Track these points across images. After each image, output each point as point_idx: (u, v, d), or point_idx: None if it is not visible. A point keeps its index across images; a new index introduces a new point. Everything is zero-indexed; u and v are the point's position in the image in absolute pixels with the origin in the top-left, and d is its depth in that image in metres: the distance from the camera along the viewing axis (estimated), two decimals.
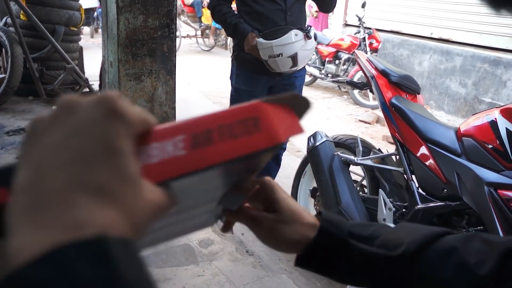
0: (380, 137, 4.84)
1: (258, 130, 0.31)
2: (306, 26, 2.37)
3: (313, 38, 2.35)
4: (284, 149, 2.75)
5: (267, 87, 2.52)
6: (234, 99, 2.60)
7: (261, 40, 2.27)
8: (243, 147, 0.31)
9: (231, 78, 2.63)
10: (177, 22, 9.74)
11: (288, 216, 0.56)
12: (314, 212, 2.60)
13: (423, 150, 2.10)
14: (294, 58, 2.28)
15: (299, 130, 0.36)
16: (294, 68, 2.36)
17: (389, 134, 2.34)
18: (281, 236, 0.56)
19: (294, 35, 2.25)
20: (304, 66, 2.56)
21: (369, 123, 5.39)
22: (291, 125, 0.36)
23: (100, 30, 9.93)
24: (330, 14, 9.55)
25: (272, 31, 2.29)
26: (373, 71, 2.37)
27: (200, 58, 9.02)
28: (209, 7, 2.49)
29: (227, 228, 0.58)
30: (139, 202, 0.28)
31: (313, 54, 7.03)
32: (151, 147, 0.31)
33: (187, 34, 9.93)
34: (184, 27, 10.02)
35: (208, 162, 0.30)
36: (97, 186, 0.26)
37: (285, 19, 2.34)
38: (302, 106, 0.38)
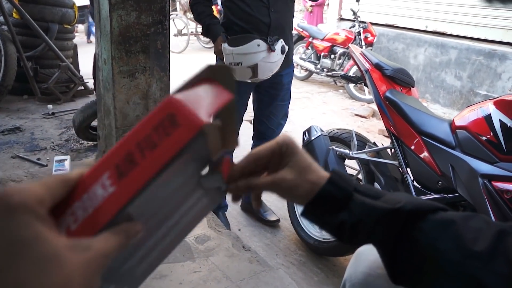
0: (376, 131, 4.84)
1: (177, 126, 0.31)
2: (274, 37, 2.24)
3: (279, 51, 2.23)
4: None
5: (253, 86, 2.46)
6: None
7: (225, 45, 2.22)
8: (166, 152, 0.31)
9: None
10: (185, 20, 9.74)
11: (306, 168, 0.60)
12: None
13: (418, 143, 2.10)
14: (254, 69, 2.20)
15: (226, 97, 0.36)
16: (254, 79, 2.27)
17: (385, 128, 2.34)
18: (298, 189, 0.59)
19: (256, 45, 2.17)
20: (292, 62, 2.51)
21: (365, 117, 5.40)
22: (217, 97, 0.35)
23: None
24: (325, 8, 9.54)
25: (237, 38, 2.22)
26: (367, 65, 2.37)
27: (202, 55, 9.01)
28: (189, 3, 2.48)
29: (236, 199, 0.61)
30: (67, 275, 0.29)
31: (308, 49, 7.03)
32: (80, 202, 0.32)
33: (191, 32, 9.90)
34: (191, 25, 9.99)
35: (137, 185, 0.30)
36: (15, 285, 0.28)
37: (269, 15, 2.27)
38: (223, 72, 0.38)
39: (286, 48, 2.28)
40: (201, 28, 2.44)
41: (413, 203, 0.57)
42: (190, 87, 0.35)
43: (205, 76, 0.36)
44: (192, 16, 10.34)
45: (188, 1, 2.50)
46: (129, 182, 0.31)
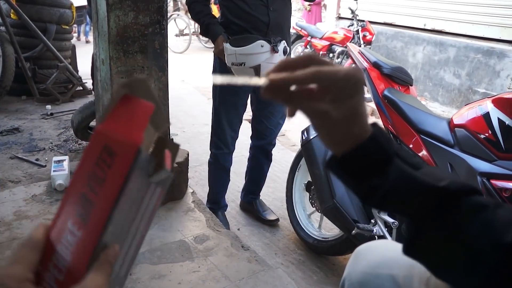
0: None
1: (115, 155, 0.33)
2: (277, 38, 2.24)
3: (281, 52, 2.23)
4: (274, 144, 2.73)
5: (252, 86, 2.46)
6: (218, 97, 2.50)
7: (227, 45, 2.21)
8: (115, 183, 0.33)
9: (212, 73, 2.55)
10: (187, 20, 9.68)
11: (359, 113, 0.53)
12: (310, 209, 2.60)
13: (416, 141, 2.10)
14: (256, 69, 2.20)
15: (149, 108, 0.37)
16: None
17: (382, 126, 2.34)
18: (340, 131, 0.54)
19: (259, 46, 2.16)
20: (287, 53, 2.49)
21: None
22: (141, 112, 0.36)
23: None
24: (324, 7, 9.53)
25: (239, 38, 2.22)
26: (365, 64, 2.37)
27: (203, 55, 9.00)
28: (186, 2, 2.44)
29: (292, 114, 0.54)
30: None
31: (307, 48, 7.03)
32: (57, 253, 0.35)
33: (193, 32, 9.85)
34: (193, 25, 9.92)
35: (102, 221, 0.33)
36: None
37: (268, 14, 2.26)
38: (138, 86, 0.38)
39: (288, 49, 2.28)
40: (199, 28, 2.41)
41: (457, 184, 0.54)
42: (112, 111, 0.36)
43: (123, 95, 0.37)
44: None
45: (213, 1, 2.47)
46: (94, 221, 0.33)
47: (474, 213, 0.53)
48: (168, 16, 9.46)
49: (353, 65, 5.79)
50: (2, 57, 4.16)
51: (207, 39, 10.13)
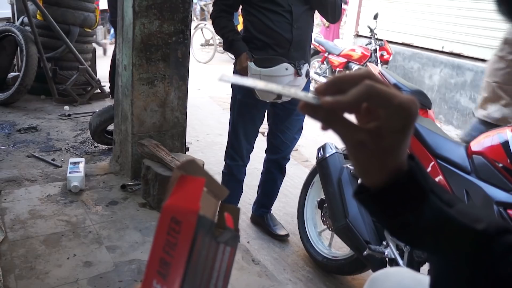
0: None
1: (181, 223, 0.41)
2: (301, 61, 2.27)
3: (304, 75, 2.28)
4: (288, 159, 2.73)
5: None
6: (237, 110, 2.49)
7: (251, 64, 2.23)
8: (184, 244, 0.40)
9: (232, 86, 2.55)
10: (213, 30, 9.73)
11: (396, 146, 0.49)
12: (321, 226, 2.60)
13: (433, 166, 2.09)
14: None
15: (201, 182, 0.45)
16: (278, 100, 2.30)
17: None
18: (378, 165, 0.50)
19: (284, 69, 2.19)
20: (309, 78, 2.52)
21: None
22: (195, 186, 0.45)
23: (112, 31, 10.00)
24: (342, 24, 9.57)
25: (264, 59, 2.24)
26: None
27: (227, 67, 9.07)
28: (210, 16, 2.45)
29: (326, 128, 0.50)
30: None
31: (324, 64, 7.06)
32: None
33: (218, 43, 9.91)
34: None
35: (179, 276, 0.40)
36: None
37: (291, 31, 2.28)
38: (191, 166, 0.47)
39: (310, 71, 2.30)
40: (223, 43, 2.42)
41: (495, 226, 0.52)
42: (173, 190, 0.45)
43: (179, 176, 0.46)
44: None
45: (209, 14, 2.48)
46: (173, 277, 0.41)
47: (507, 254, 0.52)
48: (195, 26, 9.58)
49: None
50: (25, 57, 4.24)
51: None
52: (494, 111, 2.63)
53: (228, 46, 2.37)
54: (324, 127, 0.50)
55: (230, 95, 2.56)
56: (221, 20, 2.36)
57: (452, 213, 0.53)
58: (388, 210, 0.52)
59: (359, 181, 0.55)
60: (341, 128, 0.49)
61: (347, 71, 0.46)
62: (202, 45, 9.97)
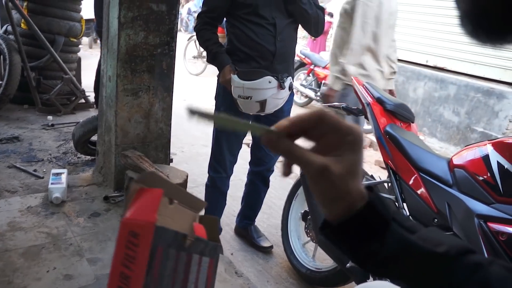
0: (372, 162, 4.87)
1: (138, 236, 0.40)
2: (284, 74, 2.28)
3: (287, 88, 2.29)
4: (272, 171, 2.74)
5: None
6: None
7: (235, 77, 2.23)
8: (142, 257, 0.40)
9: (216, 99, 2.55)
10: None
11: (353, 174, 0.52)
12: (305, 238, 2.60)
13: (415, 179, 2.11)
14: (262, 104, 2.23)
15: (157, 192, 0.44)
16: (262, 113, 2.30)
17: (382, 159, 2.36)
18: (338, 201, 0.52)
19: (267, 82, 2.20)
20: (292, 91, 2.51)
21: None
22: (151, 197, 0.44)
23: (98, 41, 9.97)
24: (328, 36, 9.67)
25: (247, 72, 2.25)
26: (369, 98, 2.40)
27: (215, 79, 9.07)
28: (194, 29, 2.44)
29: (287, 171, 0.54)
30: None
31: (309, 76, 7.11)
32: None
33: None
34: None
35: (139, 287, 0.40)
36: None
37: (275, 44, 2.29)
38: (148, 177, 0.46)
39: (292, 85, 2.32)
40: (207, 55, 2.42)
41: (456, 248, 0.54)
42: (131, 203, 0.44)
43: (137, 189, 0.45)
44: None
45: (194, 26, 2.48)
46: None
47: (470, 274, 0.53)
48: (188, 38, 9.53)
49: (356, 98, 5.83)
50: (8, 66, 4.19)
51: None
52: (338, 70, 3.05)
53: (211, 58, 2.37)
54: (286, 171, 0.54)
55: (214, 108, 2.56)
56: (205, 33, 2.37)
57: (414, 239, 0.54)
58: (352, 240, 0.54)
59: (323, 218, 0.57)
60: (301, 158, 0.52)
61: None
62: (194, 57, 9.95)
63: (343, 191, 0.52)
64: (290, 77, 2.34)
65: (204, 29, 2.37)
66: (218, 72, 2.40)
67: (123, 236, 0.41)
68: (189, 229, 0.45)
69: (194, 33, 2.63)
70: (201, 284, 0.46)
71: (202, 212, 0.52)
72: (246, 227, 2.84)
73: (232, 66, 2.28)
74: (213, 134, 2.56)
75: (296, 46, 2.55)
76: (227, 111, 2.39)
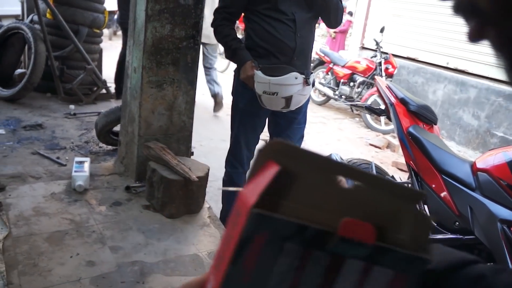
0: (389, 163, 4.85)
1: (240, 216, 0.34)
2: (307, 71, 2.27)
3: (311, 84, 2.29)
4: None
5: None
6: (239, 119, 2.47)
7: (259, 73, 2.20)
8: (234, 240, 0.34)
9: (233, 95, 2.52)
10: None
11: None
12: None
13: (438, 181, 2.11)
14: (288, 100, 2.22)
15: (272, 171, 0.35)
16: (285, 110, 2.30)
17: (399, 161, 2.36)
18: None
19: (294, 78, 2.18)
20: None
21: (379, 148, 5.41)
22: (266, 176, 0.35)
23: (118, 33, 10.06)
24: (348, 35, 9.63)
25: (272, 67, 2.22)
26: (393, 99, 2.40)
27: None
28: (212, 25, 2.42)
29: None
30: None
31: (328, 74, 7.09)
32: None
33: None
34: None
35: (220, 277, 0.34)
36: None
37: (295, 40, 2.28)
38: (281, 149, 0.36)
39: (315, 81, 2.32)
40: (225, 51, 2.39)
41: (446, 262, 0.53)
42: (252, 178, 0.37)
43: (266, 161, 0.36)
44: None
45: (211, 23, 2.42)
46: (218, 275, 0.35)
47: (473, 285, 0.52)
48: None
49: (372, 96, 5.79)
50: (33, 54, 4.26)
51: None
52: None
53: (231, 54, 2.34)
54: None
55: (231, 103, 2.56)
56: (223, 29, 2.34)
57: None
58: None
59: None
60: None
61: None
62: (220, 53, 9.92)
63: None
64: (313, 74, 2.33)
65: (222, 25, 2.34)
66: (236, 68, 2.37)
67: (233, 213, 0.36)
68: (330, 225, 0.35)
69: None
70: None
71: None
72: None
73: (254, 62, 2.26)
74: (231, 129, 2.57)
75: (314, 41, 2.53)
76: (246, 107, 2.41)
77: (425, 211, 2.14)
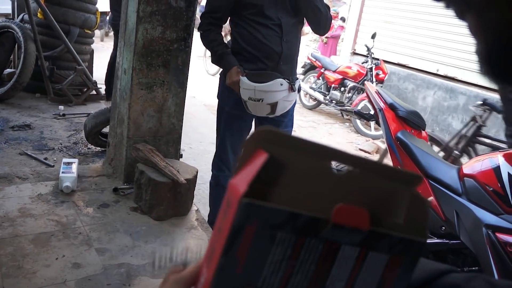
0: None
1: (230, 206, 0.34)
2: (294, 77, 2.27)
3: (296, 91, 2.29)
4: None
5: None
6: (224, 122, 2.46)
7: (245, 79, 2.19)
8: (225, 232, 0.33)
9: (219, 98, 2.50)
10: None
11: None
12: None
13: (424, 186, 2.13)
14: (273, 106, 2.21)
15: (261, 159, 0.34)
16: (271, 115, 2.29)
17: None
18: None
19: (279, 84, 2.18)
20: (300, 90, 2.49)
21: (369, 153, 5.43)
22: (256, 164, 0.35)
23: (110, 34, 10.02)
24: (340, 41, 9.68)
25: (258, 73, 2.21)
26: (382, 104, 2.42)
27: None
28: (198, 29, 2.40)
29: None
30: None
31: (319, 79, 7.12)
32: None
33: None
34: None
35: (213, 266, 0.34)
36: None
37: (281, 45, 2.26)
38: (271, 137, 0.36)
39: (300, 86, 2.30)
40: (211, 56, 2.36)
41: (419, 279, 0.53)
42: (241, 167, 0.36)
43: (255, 150, 0.36)
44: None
45: (198, 27, 2.39)
46: (211, 267, 0.35)
47: None
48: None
49: (362, 102, 5.82)
50: (23, 54, 4.23)
51: None
52: None
53: (217, 59, 2.32)
54: None
55: (216, 106, 2.55)
56: (210, 33, 2.32)
57: None
58: None
59: None
60: None
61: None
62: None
63: None
64: (299, 79, 2.33)
65: (208, 30, 2.33)
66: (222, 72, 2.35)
67: (225, 201, 0.35)
68: (324, 212, 0.34)
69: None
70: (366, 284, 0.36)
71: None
72: None
73: (240, 68, 2.24)
74: (217, 132, 2.55)
75: (300, 46, 2.52)
76: (232, 111, 2.39)
77: None
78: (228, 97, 2.38)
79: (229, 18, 2.38)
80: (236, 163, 0.37)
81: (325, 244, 0.34)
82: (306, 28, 3.19)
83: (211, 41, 2.32)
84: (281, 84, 2.19)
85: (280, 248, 0.34)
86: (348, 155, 0.36)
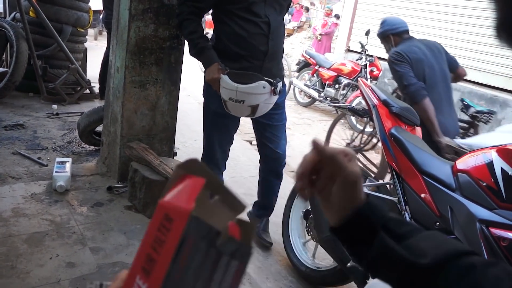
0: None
1: (173, 220, 0.40)
2: (277, 79, 2.21)
3: (278, 94, 2.23)
4: (284, 164, 2.72)
5: None
6: (211, 121, 2.43)
7: (226, 78, 2.12)
8: (172, 243, 0.39)
9: (204, 96, 2.44)
10: None
11: (348, 189, 0.62)
12: (306, 237, 2.60)
13: (419, 182, 2.13)
14: (254, 108, 2.17)
15: (200, 182, 0.43)
16: (250, 117, 2.26)
17: (387, 163, 2.38)
18: (336, 212, 0.63)
19: (262, 87, 2.12)
20: (284, 81, 2.41)
21: (364, 150, 5.43)
22: (193, 185, 0.42)
23: (104, 33, 9.98)
24: (334, 38, 9.69)
25: (239, 73, 2.14)
26: (375, 101, 2.41)
27: None
28: (177, 17, 2.28)
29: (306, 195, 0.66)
30: None
31: (314, 76, 7.12)
32: None
33: None
34: None
35: (161, 275, 0.39)
36: None
37: (267, 43, 2.22)
38: (192, 165, 0.44)
39: (282, 89, 2.27)
40: (190, 48, 2.24)
41: (438, 257, 0.55)
42: (171, 188, 0.43)
43: (180, 175, 0.44)
44: None
45: (177, 15, 2.28)
46: (155, 275, 0.39)
47: (461, 277, 0.54)
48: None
49: (357, 98, 5.82)
50: (15, 53, 4.20)
51: None
52: None
53: (196, 53, 2.21)
54: (306, 196, 0.66)
55: (202, 105, 2.50)
56: (190, 24, 2.20)
57: (398, 249, 0.58)
58: (347, 242, 0.64)
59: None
60: (319, 183, 0.65)
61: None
62: None
63: (342, 200, 0.63)
64: (281, 82, 2.26)
65: (189, 20, 2.19)
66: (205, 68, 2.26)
67: (158, 218, 0.41)
68: (224, 228, 0.43)
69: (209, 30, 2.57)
70: (226, 286, 0.45)
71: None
72: (261, 217, 2.84)
73: (221, 65, 2.16)
74: (204, 131, 2.51)
75: (284, 44, 2.49)
76: (218, 109, 2.33)
77: (407, 212, 2.16)
78: (213, 95, 2.30)
79: (212, 13, 2.30)
80: (167, 184, 0.44)
81: (216, 253, 0.42)
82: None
83: (191, 32, 2.21)
84: (264, 87, 2.14)
85: (198, 256, 0.41)
86: (221, 189, 0.45)
